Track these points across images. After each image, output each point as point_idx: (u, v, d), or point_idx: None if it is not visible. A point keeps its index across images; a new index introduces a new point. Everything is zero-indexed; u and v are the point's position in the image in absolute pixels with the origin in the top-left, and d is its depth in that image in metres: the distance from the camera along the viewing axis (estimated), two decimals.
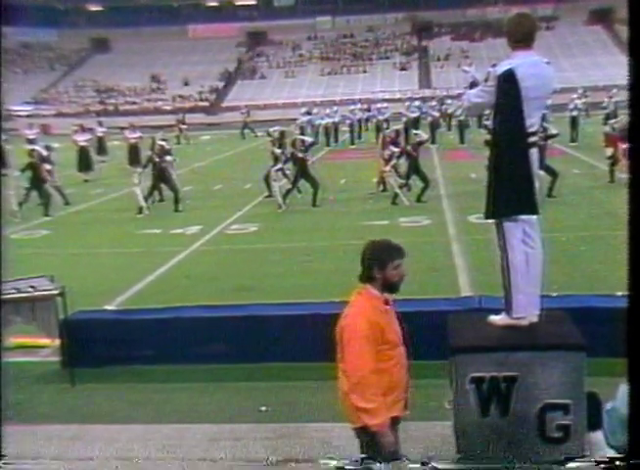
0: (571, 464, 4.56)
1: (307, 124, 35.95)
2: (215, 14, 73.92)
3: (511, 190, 4.94)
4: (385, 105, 38.65)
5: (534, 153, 5.04)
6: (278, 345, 7.46)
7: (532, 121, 4.95)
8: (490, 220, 5.21)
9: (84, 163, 26.05)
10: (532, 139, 5.01)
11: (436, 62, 63.03)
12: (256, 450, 5.74)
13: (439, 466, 4.78)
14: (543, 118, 12.24)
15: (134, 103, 60.78)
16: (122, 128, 31.19)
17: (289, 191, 17.93)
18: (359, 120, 37.81)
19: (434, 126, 32.99)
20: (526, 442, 4.72)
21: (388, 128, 24.44)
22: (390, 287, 4.19)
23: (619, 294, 7.07)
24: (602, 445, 4.02)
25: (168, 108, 57.55)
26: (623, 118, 20.69)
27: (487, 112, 5.47)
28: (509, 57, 4.99)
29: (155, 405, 6.84)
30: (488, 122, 6.16)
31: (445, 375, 5.31)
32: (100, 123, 32.82)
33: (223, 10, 74.50)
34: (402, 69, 62.82)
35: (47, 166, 19.09)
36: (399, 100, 46.99)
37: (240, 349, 7.52)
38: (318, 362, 7.29)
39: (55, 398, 7.13)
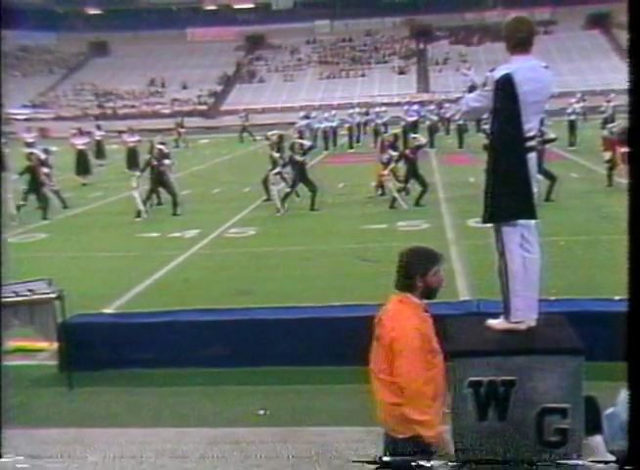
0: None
1: (306, 128, 35.96)
2: (214, 17, 74.01)
3: (509, 194, 4.94)
4: (383, 109, 38.76)
5: (533, 157, 5.04)
6: (276, 348, 7.45)
7: (531, 126, 4.95)
8: (489, 225, 5.21)
9: (82, 166, 26.05)
10: (531, 143, 5.01)
11: (435, 66, 63.12)
12: (255, 454, 5.73)
13: None
14: (541, 123, 12.27)
15: (133, 106, 60.80)
16: (121, 132, 31.19)
17: (287, 195, 17.93)
18: (358, 124, 37.84)
19: (432, 130, 33.05)
20: (524, 446, 4.71)
21: (386, 132, 24.50)
22: (430, 294, 4.17)
23: (618, 298, 7.09)
24: (601, 449, 4.02)
25: (167, 111, 57.58)
26: (621, 123, 20.74)
27: (486, 116, 5.47)
28: (507, 61, 4.99)
29: (153, 409, 6.83)
30: (487, 127, 6.17)
31: None
32: (98, 127, 32.86)
33: (222, 14, 74.58)
34: (401, 72, 62.89)
35: (45, 170, 19.08)
36: (398, 104, 47.08)
37: (238, 352, 7.52)
38: (316, 366, 7.32)
39: (53, 401, 7.12)
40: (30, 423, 6.41)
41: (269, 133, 20.91)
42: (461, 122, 31.09)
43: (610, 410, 3.74)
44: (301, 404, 6.68)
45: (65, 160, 25.83)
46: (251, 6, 74.97)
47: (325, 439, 5.93)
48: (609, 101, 33.47)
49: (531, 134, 5.00)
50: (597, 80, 51.49)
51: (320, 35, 72.44)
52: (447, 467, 4.19)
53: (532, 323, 5.15)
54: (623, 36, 53.92)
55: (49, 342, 7.66)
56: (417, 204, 17.34)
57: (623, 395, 3.51)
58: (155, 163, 18.32)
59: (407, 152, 18.19)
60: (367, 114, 39.39)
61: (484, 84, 5.03)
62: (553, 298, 7.01)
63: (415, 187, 17.96)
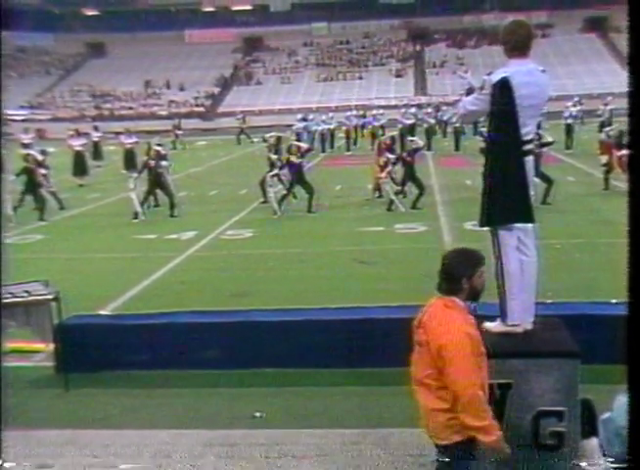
0: None
1: (303, 130, 35.97)
2: (212, 19, 74.00)
3: (506, 198, 4.95)
4: (380, 111, 38.72)
5: (530, 160, 5.05)
6: (273, 350, 7.45)
7: (527, 129, 4.97)
8: (485, 228, 5.22)
9: (80, 167, 26.02)
10: (528, 147, 5.02)
11: (432, 68, 63.18)
12: (251, 456, 5.73)
13: None
14: (538, 126, 12.29)
15: (130, 108, 60.73)
16: (118, 133, 31.14)
17: (284, 197, 17.94)
18: (355, 127, 37.83)
19: (429, 133, 33.07)
20: (521, 448, 4.72)
21: (383, 135, 24.50)
22: (475, 296, 4.12)
23: (614, 301, 7.11)
24: (597, 453, 4.02)
25: (164, 113, 57.55)
26: (618, 126, 20.80)
27: (483, 119, 5.49)
28: (504, 65, 5.00)
29: (149, 411, 6.83)
30: (484, 130, 6.19)
31: None
32: (96, 128, 32.86)
33: (219, 15, 74.57)
34: (398, 75, 62.93)
35: (42, 171, 19.07)
36: (395, 106, 47.12)
37: (234, 354, 7.52)
38: (313, 368, 7.32)
39: (49, 402, 7.11)
40: (26, 424, 6.41)
41: (267, 135, 20.94)
42: (458, 125, 31.14)
43: (606, 415, 3.74)
44: (298, 407, 6.68)
45: (62, 161, 25.81)
46: (249, 8, 75.00)
47: (321, 441, 5.93)
48: (605, 104, 33.59)
49: (528, 138, 5.02)
50: (594, 84, 51.62)
51: (317, 38, 72.47)
52: None
53: (529, 326, 5.17)
54: (620, 40, 53.91)
55: (45, 343, 7.66)
56: (414, 206, 17.36)
57: (620, 399, 3.51)
58: (152, 164, 18.31)
59: (404, 154, 18.22)
60: (364, 116, 39.40)
61: (482, 87, 5.04)
62: (549, 301, 7.01)
63: (412, 190, 17.97)
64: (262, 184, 18.85)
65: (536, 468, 4.80)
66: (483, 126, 14.15)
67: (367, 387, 7.05)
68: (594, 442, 4.12)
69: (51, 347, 7.66)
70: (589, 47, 62.21)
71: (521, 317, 5.11)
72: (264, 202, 18.75)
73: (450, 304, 4.04)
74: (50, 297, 7.26)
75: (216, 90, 63.81)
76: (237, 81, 66.17)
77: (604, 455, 3.69)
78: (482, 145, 13.01)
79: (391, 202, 17.45)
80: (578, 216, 15.66)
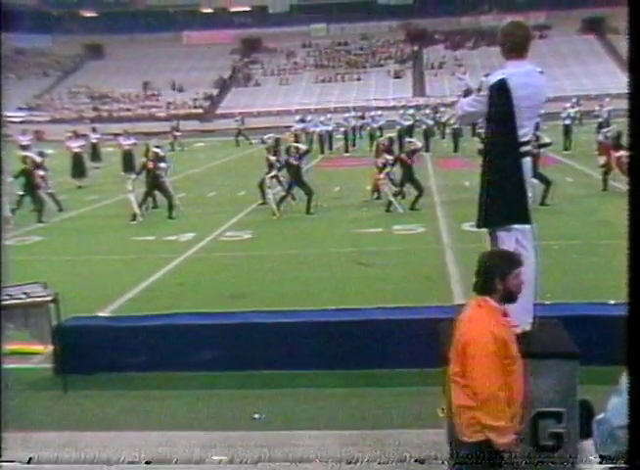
0: None
1: (302, 132, 35.99)
2: (210, 21, 74.02)
3: (504, 199, 4.96)
4: (379, 113, 38.73)
5: (527, 162, 5.06)
6: (271, 352, 7.45)
7: (525, 131, 4.97)
8: (483, 229, 5.22)
9: (78, 169, 26.01)
10: (525, 148, 5.02)
11: (430, 70, 63.22)
12: (250, 458, 5.73)
13: None
14: (536, 127, 12.30)
15: (128, 109, 60.73)
16: (116, 135, 31.13)
17: (283, 198, 17.94)
18: (353, 128, 37.86)
19: (427, 134, 33.07)
20: (520, 449, 4.71)
21: (381, 136, 24.50)
22: (510, 297, 4.12)
23: (613, 302, 7.11)
24: (592, 453, 4.03)
25: (163, 114, 57.55)
26: (616, 127, 20.81)
27: (481, 120, 5.49)
28: (502, 66, 5.01)
29: (147, 412, 6.83)
30: (482, 131, 6.19)
31: (438, 383, 5.31)
32: (94, 130, 32.84)
33: (218, 17, 74.58)
34: (396, 76, 62.96)
35: (40, 173, 19.06)
36: (393, 108, 47.17)
37: (233, 356, 7.52)
38: (312, 370, 7.32)
39: (47, 404, 7.11)
40: (25, 426, 6.40)
41: (265, 137, 20.93)
42: (456, 127, 31.17)
43: (600, 416, 3.75)
44: (296, 408, 6.68)
45: (60, 162, 25.80)
46: (248, 9, 75.03)
47: (320, 442, 5.93)
48: (601, 105, 33.63)
49: (526, 139, 5.02)
50: (592, 85, 51.65)
51: (316, 39, 72.50)
52: None
53: (527, 327, 5.17)
54: (618, 41, 53.91)
55: (44, 345, 7.65)
56: (412, 208, 17.37)
57: (614, 400, 3.52)
58: (150, 166, 18.31)
59: (403, 156, 18.23)
60: (363, 117, 39.43)
61: (479, 89, 5.05)
62: (548, 302, 7.01)
63: (410, 191, 17.99)
64: (261, 186, 18.85)
65: (535, 469, 4.81)
66: (482, 128, 14.18)
67: (365, 388, 7.05)
68: (590, 442, 4.13)
69: (49, 349, 7.65)
70: (587, 48, 62.27)
71: (519, 318, 5.11)
72: (263, 203, 18.75)
73: (482, 303, 4.08)
74: (48, 299, 7.25)
75: (215, 91, 63.82)
76: (235, 83, 66.19)
77: (600, 457, 3.71)
78: (481, 146, 13.04)
79: (390, 203, 17.46)
80: (577, 217, 15.67)
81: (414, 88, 60.30)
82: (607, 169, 18.60)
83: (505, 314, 4.14)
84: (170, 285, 11.54)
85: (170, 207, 18.03)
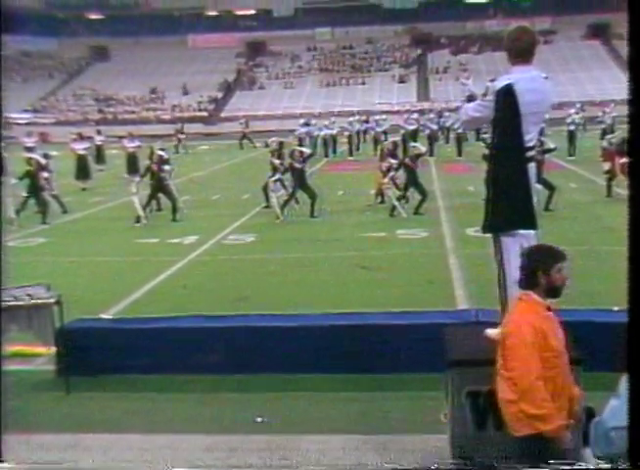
0: None
1: (306, 135, 36.00)
2: (215, 24, 74.13)
3: (509, 205, 4.96)
4: (383, 117, 38.82)
5: (532, 167, 5.06)
6: (274, 355, 7.45)
7: (530, 136, 4.97)
8: (488, 234, 5.22)
9: (82, 171, 26.06)
10: (530, 154, 5.03)
11: (435, 74, 63.24)
12: (252, 461, 5.72)
13: None
14: (540, 132, 12.29)
15: (133, 112, 60.84)
16: (121, 137, 31.17)
17: (287, 202, 17.94)
18: (357, 132, 37.87)
19: (431, 139, 33.08)
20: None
21: (386, 140, 24.52)
22: (554, 292, 4.12)
23: (617, 308, 7.09)
24: (590, 459, 4.03)
25: (167, 117, 57.63)
26: (620, 133, 20.80)
27: (485, 125, 5.49)
28: (508, 71, 5.01)
29: (150, 415, 6.82)
30: (486, 136, 6.19)
31: (441, 388, 5.31)
32: (99, 132, 32.87)
33: (223, 20, 74.70)
34: (401, 81, 62.99)
35: (45, 175, 19.09)
36: (398, 112, 47.17)
37: (236, 359, 7.52)
38: (314, 374, 7.31)
39: (50, 406, 7.11)
40: (27, 428, 6.40)
41: (269, 140, 20.95)
42: (460, 131, 31.17)
43: (597, 418, 3.77)
44: (299, 412, 6.67)
45: (65, 164, 25.83)
46: (253, 13, 75.15)
47: (322, 447, 5.92)
48: (604, 112, 33.63)
49: (531, 144, 5.02)
50: (596, 91, 51.63)
51: (321, 43, 72.58)
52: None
53: None
54: (623, 47, 53.95)
55: (47, 347, 7.66)
56: (416, 212, 17.36)
57: (611, 403, 3.54)
58: (155, 168, 18.33)
59: (407, 160, 18.23)
60: (367, 122, 39.43)
61: (485, 94, 5.05)
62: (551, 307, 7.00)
63: (414, 195, 17.98)
64: (265, 189, 18.87)
65: None
66: (486, 133, 14.16)
67: (368, 393, 7.04)
68: (588, 449, 4.13)
69: (52, 350, 7.66)
70: (592, 54, 62.27)
71: None
72: (267, 206, 18.76)
73: (524, 297, 4.11)
74: (52, 300, 7.26)
75: (219, 95, 63.90)
76: (240, 86, 66.25)
77: (597, 458, 3.73)
78: (485, 151, 13.03)
79: (394, 207, 17.46)
80: (581, 223, 15.65)
81: (418, 93, 60.32)
82: (611, 176, 18.58)
83: (549, 308, 4.14)
84: (174, 287, 11.55)
85: (174, 209, 18.05)
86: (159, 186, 18.36)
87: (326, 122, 37.05)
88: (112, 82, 65.91)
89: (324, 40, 72.67)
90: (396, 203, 17.55)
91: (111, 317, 9.16)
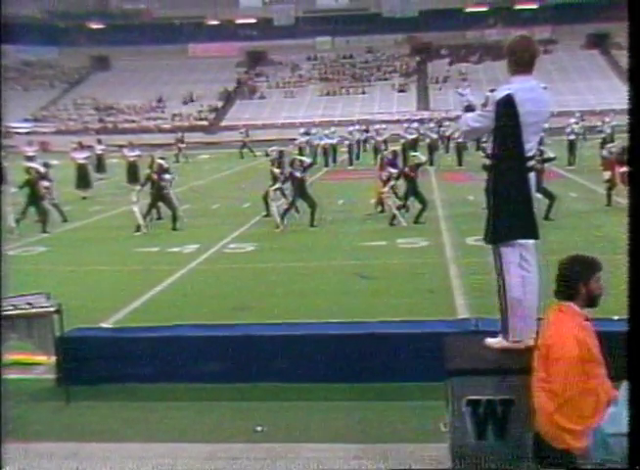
0: None
1: (306, 145, 36.07)
2: (216, 33, 74.37)
3: (510, 215, 4.96)
4: (383, 126, 38.87)
5: (532, 176, 5.07)
6: (274, 365, 7.44)
7: (530, 146, 4.98)
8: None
9: (83, 180, 26.12)
10: (530, 163, 5.04)
11: (435, 84, 63.40)
12: None
13: None
14: (540, 142, 12.32)
15: (133, 121, 60.99)
16: (121, 146, 31.25)
17: (287, 211, 17.96)
18: (357, 141, 37.94)
19: (431, 148, 33.12)
20: (523, 465, 4.71)
21: (386, 150, 24.55)
22: (593, 301, 4.13)
23: (616, 318, 7.09)
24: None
25: (167, 126, 57.75)
26: (620, 143, 20.83)
27: (486, 135, 5.50)
28: (508, 81, 5.02)
29: (150, 424, 6.81)
30: (486, 145, 6.19)
31: (441, 397, 5.30)
32: (99, 141, 32.93)
33: (223, 29, 74.94)
34: (401, 90, 63.17)
35: (45, 183, 19.13)
36: (397, 121, 47.29)
37: (236, 368, 7.50)
38: (314, 383, 7.31)
39: (49, 415, 7.09)
40: (27, 437, 6.39)
41: (269, 149, 20.99)
42: (460, 141, 31.22)
43: (596, 425, 3.79)
44: (299, 421, 6.66)
45: (65, 173, 25.89)
46: (253, 22, 75.39)
47: (322, 455, 5.91)
48: (603, 121, 33.71)
49: (531, 154, 5.03)
50: (596, 100, 51.76)
51: (321, 52, 72.85)
52: None
53: (531, 342, 5.16)
54: (622, 57, 54.14)
55: (47, 355, 7.64)
56: (416, 221, 17.37)
57: (611, 410, 3.56)
58: (155, 177, 18.36)
59: (407, 169, 18.25)
60: (367, 131, 39.53)
61: (485, 104, 5.06)
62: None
63: (414, 205, 18.00)
64: (265, 198, 18.89)
65: None
66: (485, 142, 14.20)
67: (368, 402, 7.03)
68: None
69: (52, 359, 7.64)
70: (591, 63, 62.46)
71: (522, 334, 5.10)
72: (267, 215, 18.78)
73: (564, 308, 4.12)
74: (52, 309, 7.25)
75: (220, 104, 64.06)
76: (240, 95, 66.44)
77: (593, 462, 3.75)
78: (485, 161, 13.05)
79: (394, 216, 17.47)
80: (580, 233, 15.64)
81: (418, 102, 60.47)
82: (611, 185, 18.61)
83: (587, 319, 4.14)
84: (174, 296, 11.54)
85: (174, 218, 18.07)
86: (159, 195, 18.39)
87: (326, 132, 37.12)
88: (112, 91, 66.07)
89: (324, 49, 72.95)
90: (396, 212, 17.57)
91: (111, 326, 9.17)
